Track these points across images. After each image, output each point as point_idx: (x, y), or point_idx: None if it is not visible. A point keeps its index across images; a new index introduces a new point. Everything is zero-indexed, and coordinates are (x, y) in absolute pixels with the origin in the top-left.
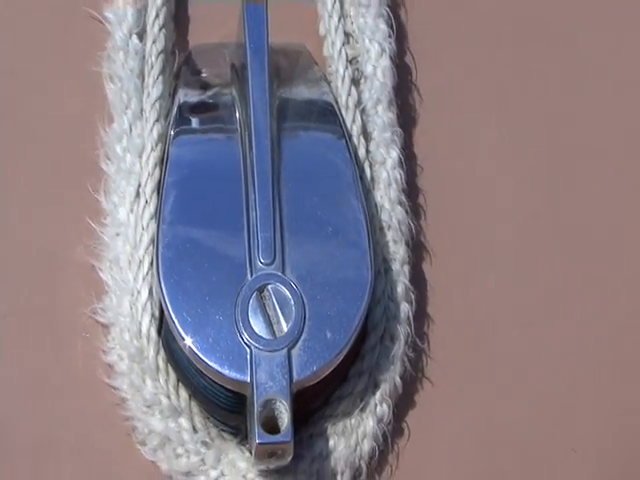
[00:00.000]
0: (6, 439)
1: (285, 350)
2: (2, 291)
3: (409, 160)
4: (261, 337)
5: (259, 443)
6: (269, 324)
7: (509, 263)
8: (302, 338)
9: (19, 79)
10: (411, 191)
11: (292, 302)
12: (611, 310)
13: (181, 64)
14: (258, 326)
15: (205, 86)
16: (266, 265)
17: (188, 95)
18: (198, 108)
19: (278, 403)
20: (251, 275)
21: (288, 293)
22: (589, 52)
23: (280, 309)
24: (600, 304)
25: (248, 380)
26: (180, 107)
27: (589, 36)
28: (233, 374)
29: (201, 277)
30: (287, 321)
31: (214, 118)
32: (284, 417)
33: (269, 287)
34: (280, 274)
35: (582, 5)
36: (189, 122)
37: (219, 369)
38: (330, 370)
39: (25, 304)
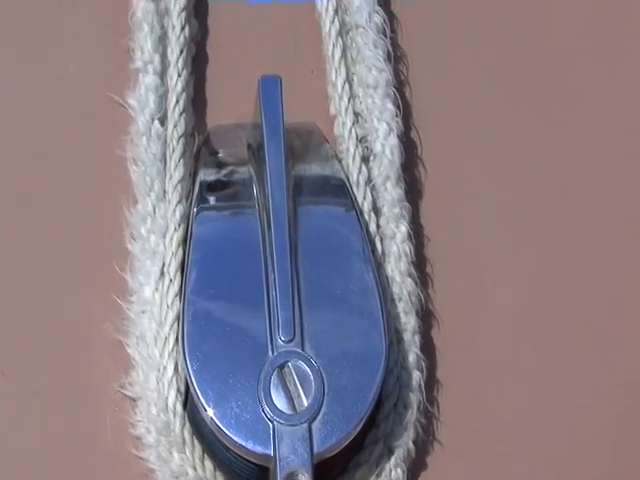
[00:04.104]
0: None
1: (306, 424)
2: (35, 368)
3: (417, 232)
4: (283, 412)
5: None
6: (290, 399)
7: (513, 329)
8: (322, 412)
9: (47, 163)
10: (419, 262)
11: (311, 377)
12: (616, 372)
13: (200, 145)
14: (280, 401)
15: (224, 165)
16: (286, 342)
17: (208, 175)
18: (218, 187)
19: (300, 475)
20: (272, 352)
21: (308, 369)
22: (592, 124)
23: (300, 384)
24: (605, 368)
25: (271, 454)
26: (201, 186)
27: (590, 104)
28: (256, 448)
29: (224, 353)
30: (307, 396)
31: (233, 195)
32: None
33: (289, 364)
34: (300, 351)
35: (583, 70)
36: (210, 200)
37: (242, 443)
38: (349, 441)
39: (57, 379)
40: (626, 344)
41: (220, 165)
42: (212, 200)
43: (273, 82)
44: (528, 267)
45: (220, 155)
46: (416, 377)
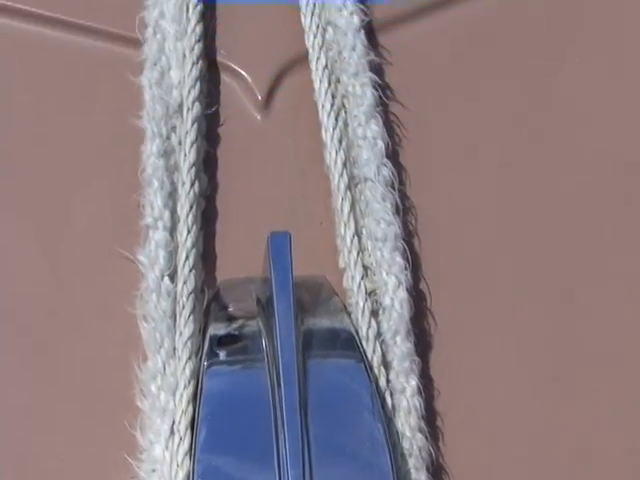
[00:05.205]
0: None
1: None
2: None
3: (427, 386)
4: None
5: None
6: None
7: (526, 464)
8: None
9: (58, 320)
10: (430, 416)
11: None
12: None
13: (210, 300)
14: None
15: (233, 320)
16: None
17: (218, 329)
18: (228, 341)
19: None
20: None
21: None
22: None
23: None
24: None
25: None
26: (211, 341)
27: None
28: None
29: None
30: None
31: (243, 350)
32: None
33: None
34: None
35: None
36: (220, 355)
37: None
38: None
39: None
40: None
41: (230, 319)
42: (222, 355)
43: (283, 239)
44: (541, 417)
45: (230, 309)
46: None
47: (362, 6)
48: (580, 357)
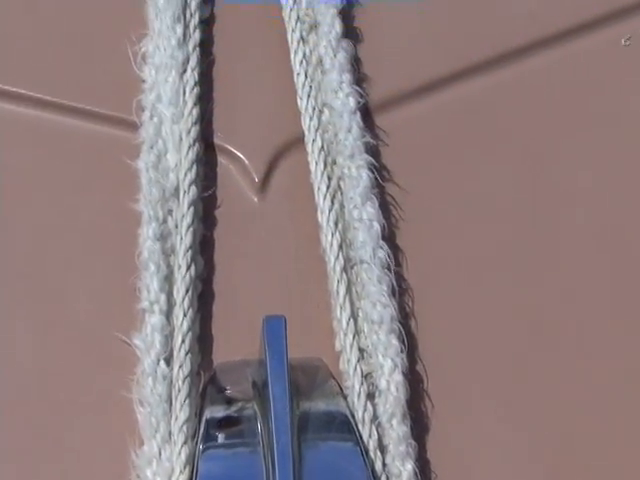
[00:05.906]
0: None
1: None
2: None
3: (424, 469)
4: None
5: None
6: None
7: None
8: None
9: (54, 407)
10: None
11: None
12: None
13: (206, 383)
14: None
15: (229, 403)
16: None
17: (214, 412)
18: (223, 424)
19: None
20: None
21: None
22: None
23: None
24: None
25: None
26: (207, 424)
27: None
28: None
29: None
30: None
31: (239, 433)
32: None
33: None
34: None
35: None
36: (215, 438)
37: None
38: None
39: None
40: None
41: (226, 402)
42: (217, 438)
43: (278, 323)
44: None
45: (226, 393)
46: None
47: (358, 88)
48: (581, 433)
